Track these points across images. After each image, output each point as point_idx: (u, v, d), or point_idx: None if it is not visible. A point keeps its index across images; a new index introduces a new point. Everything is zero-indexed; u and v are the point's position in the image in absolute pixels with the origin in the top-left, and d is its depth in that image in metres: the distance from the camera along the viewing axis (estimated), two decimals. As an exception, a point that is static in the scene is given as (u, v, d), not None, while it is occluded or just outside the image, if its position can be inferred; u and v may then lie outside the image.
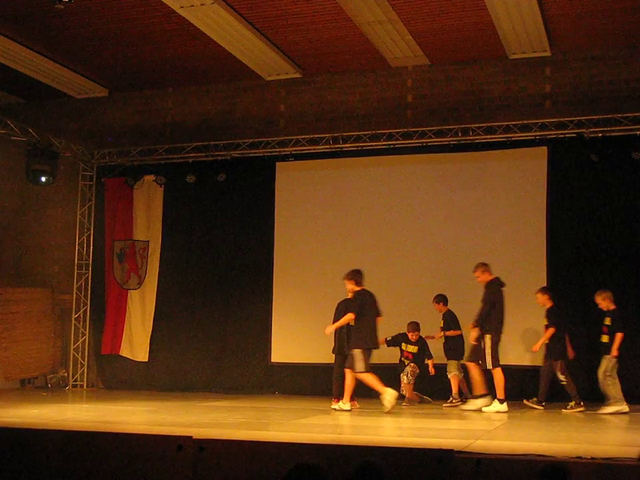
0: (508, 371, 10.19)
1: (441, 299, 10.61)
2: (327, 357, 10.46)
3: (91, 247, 13.30)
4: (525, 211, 11.43)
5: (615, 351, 9.47)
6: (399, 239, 11.94)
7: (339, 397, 9.86)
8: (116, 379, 13.08)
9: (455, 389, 10.35)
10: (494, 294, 9.69)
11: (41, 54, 12.09)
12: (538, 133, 11.27)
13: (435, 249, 11.78)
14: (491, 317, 9.60)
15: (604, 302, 9.79)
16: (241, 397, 10.67)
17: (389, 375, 10.58)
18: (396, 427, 8.42)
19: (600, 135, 10.92)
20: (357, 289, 9.67)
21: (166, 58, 12.26)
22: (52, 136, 12.49)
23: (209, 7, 10.26)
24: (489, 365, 9.48)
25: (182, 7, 10.33)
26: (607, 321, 9.69)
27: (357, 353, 9.37)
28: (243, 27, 10.93)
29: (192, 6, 10.26)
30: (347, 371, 9.51)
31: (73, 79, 13.11)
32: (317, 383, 11.50)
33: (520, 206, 11.46)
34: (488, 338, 9.51)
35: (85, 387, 13.04)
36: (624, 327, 9.61)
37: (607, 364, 9.51)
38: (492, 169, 11.73)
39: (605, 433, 7.45)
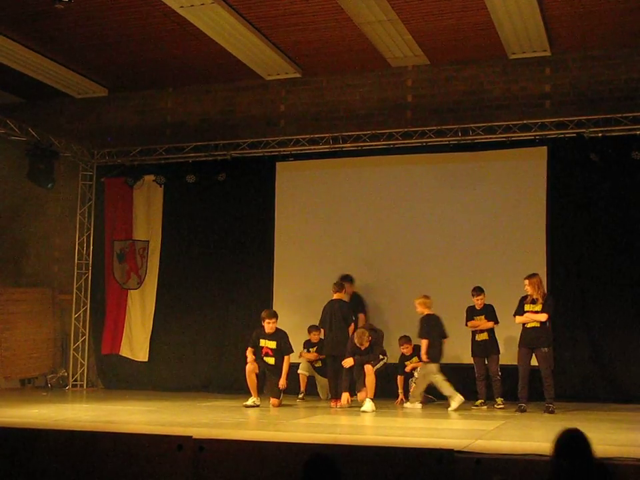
0: (509, 371, 10.19)
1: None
2: (327, 357, 10.48)
3: (91, 247, 13.30)
4: (524, 210, 11.42)
5: (424, 357, 9.86)
6: (398, 239, 11.94)
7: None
8: (116, 378, 13.08)
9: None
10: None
11: (41, 54, 12.09)
12: (538, 133, 11.26)
13: (434, 248, 11.77)
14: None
15: (419, 307, 10.12)
16: (240, 396, 10.66)
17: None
18: (396, 426, 8.42)
19: (600, 134, 10.91)
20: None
21: (166, 58, 12.26)
22: (52, 136, 12.48)
23: (208, 6, 10.26)
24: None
25: (182, 7, 10.32)
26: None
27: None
28: (243, 27, 10.92)
29: (192, 6, 10.26)
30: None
31: (73, 78, 13.11)
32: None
33: (520, 206, 11.46)
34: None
35: (84, 387, 13.04)
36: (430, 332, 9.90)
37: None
38: (492, 168, 11.73)
39: (606, 433, 7.44)
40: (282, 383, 10.01)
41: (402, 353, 10.75)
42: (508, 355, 10.41)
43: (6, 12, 10.65)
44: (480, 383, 10.13)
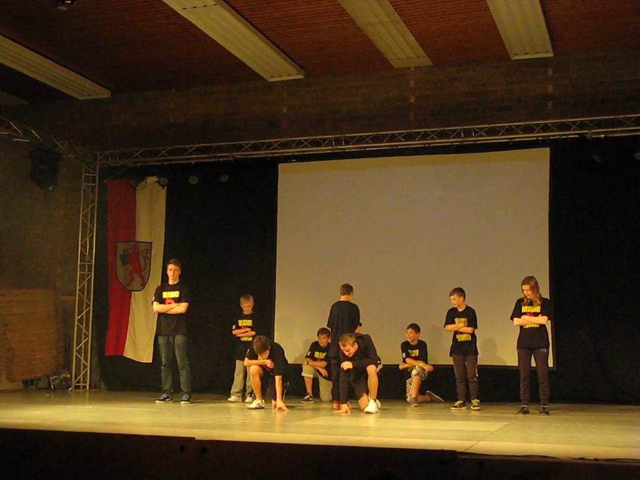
0: (510, 372, 10.20)
1: None
2: (330, 358, 10.47)
3: (94, 249, 13.32)
4: (527, 211, 11.43)
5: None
6: (400, 240, 11.95)
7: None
8: (119, 380, 13.09)
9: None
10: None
11: (44, 56, 12.12)
12: (540, 134, 11.27)
13: (437, 249, 11.78)
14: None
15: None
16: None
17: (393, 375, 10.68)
18: (398, 428, 8.41)
19: (602, 135, 10.91)
20: None
21: (168, 59, 12.28)
22: (55, 137, 12.50)
23: (211, 8, 10.28)
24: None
25: (184, 9, 10.34)
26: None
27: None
28: (245, 29, 10.94)
29: (194, 7, 10.28)
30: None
31: (76, 80, 13.14)
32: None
33: (522, 207, 11.47)
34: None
35: (87, 388, 13.05)
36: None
37: None
38: (494, 170, 11.74)
39: (609, 434, 7.43)
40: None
41: (406, 340, 10.80)
42: (512, 356, 10.42)
43: (9, 14, 10.68)
44: (459, 383, 10.13)
